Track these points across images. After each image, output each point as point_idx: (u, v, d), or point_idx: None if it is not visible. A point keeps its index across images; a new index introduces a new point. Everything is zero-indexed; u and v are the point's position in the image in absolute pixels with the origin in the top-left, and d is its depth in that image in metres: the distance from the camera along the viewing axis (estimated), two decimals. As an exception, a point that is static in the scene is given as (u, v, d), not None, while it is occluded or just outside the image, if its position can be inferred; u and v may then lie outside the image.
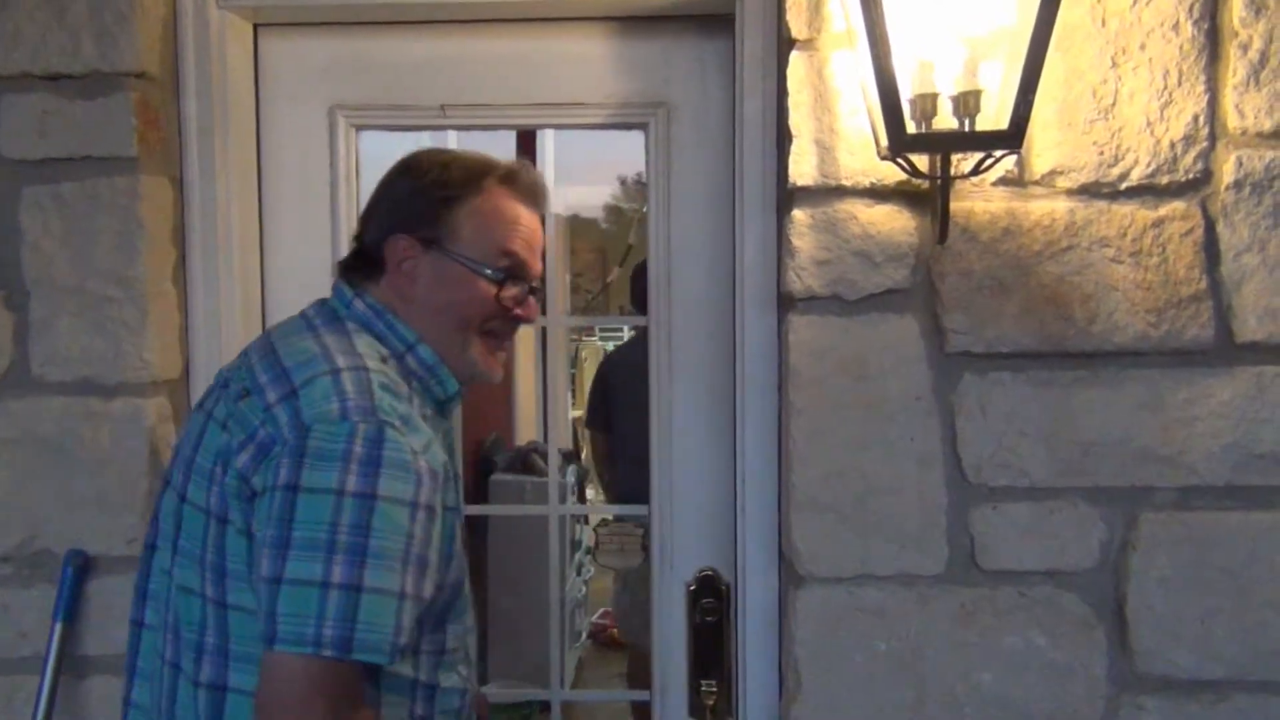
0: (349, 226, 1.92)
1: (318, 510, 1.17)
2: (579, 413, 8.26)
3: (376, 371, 1.28)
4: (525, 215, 1.43)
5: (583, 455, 7.61)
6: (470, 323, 1.41)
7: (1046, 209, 1.63)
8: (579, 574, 4.79)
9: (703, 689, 1.90)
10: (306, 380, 1.24)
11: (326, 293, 1.87)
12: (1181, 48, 1.62)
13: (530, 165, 1.48)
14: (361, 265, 1.42)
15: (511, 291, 1.41)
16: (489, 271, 1.39)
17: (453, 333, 1.40)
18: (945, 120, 1.50)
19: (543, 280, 1.53)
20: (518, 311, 1.43)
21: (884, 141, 1.52)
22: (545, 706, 2.16)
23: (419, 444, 1.25)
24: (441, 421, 1.42)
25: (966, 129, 1.49)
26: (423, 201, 1.39)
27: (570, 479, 4.55)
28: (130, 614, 1.40)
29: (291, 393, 1.24)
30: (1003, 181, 1.64)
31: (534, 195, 1.45)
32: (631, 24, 1.87)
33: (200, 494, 1.27)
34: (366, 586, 1.17)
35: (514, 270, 1.41)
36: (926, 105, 1.49)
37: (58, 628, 1.70)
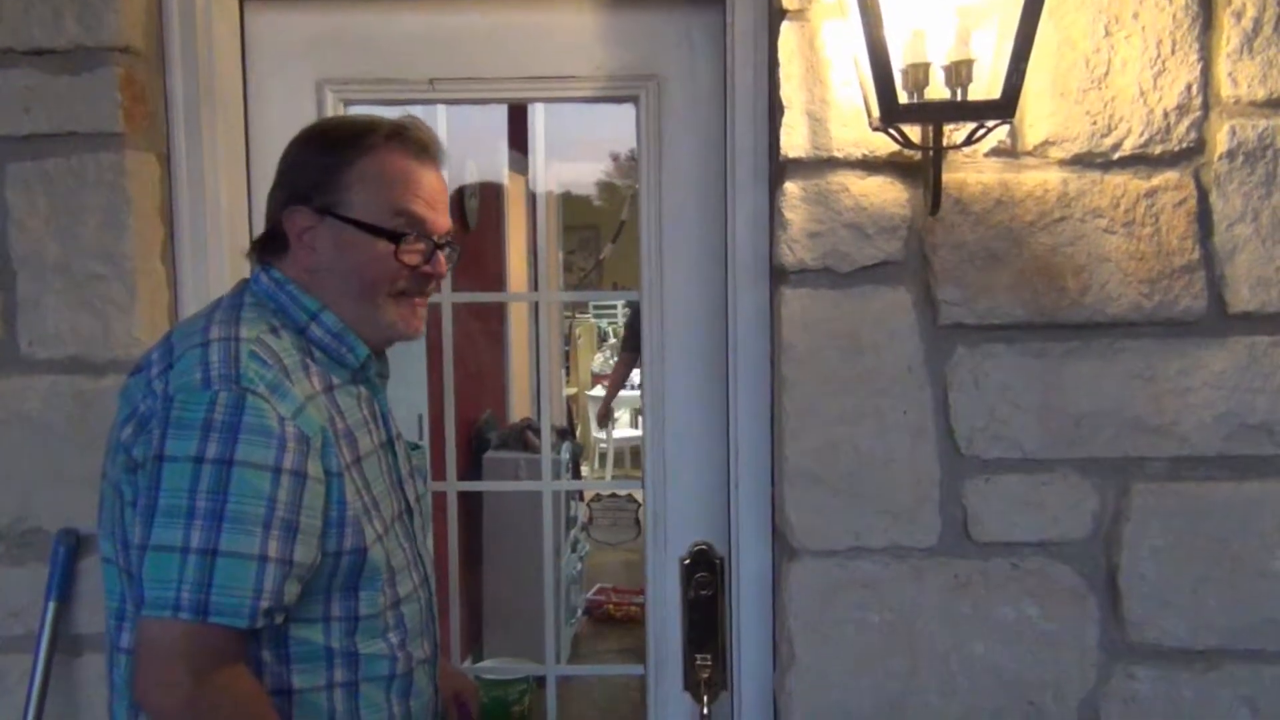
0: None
1: (178, 477, 1.21)
2: (573, 390, 8.28)
3: (249, 341, 1.29)
4: (418, 170, 1.40)
5: (576, 432, 7.63)
6: (377, 286, 1.39)
7: (1039, 179, 1.63)
8: (574, 550, 4.80)
9: (698, 663, 1.91)
10: (181, 354, 1.28)
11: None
12: (1175, 16, 1.61)
13: (420, 120, 1.45)
14: (268, 241, 1.42)
15: (412, 250, 1.39)
16: (385, 232, 1.37)
17: (361, 298, 1.40)
18: (937, 90, 1.49)
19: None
20: (425, 269, 1.42)
21: (876, 112, 1.52)
22: (541, 681, 2.16)
23: (286, 410, 1.26)
24: (356, 389, 1.42)
25: (959, 99, 1.48)
26: (313, 169, 1.38)
27: (564, 455, 4.56)
28: None
29: (168, 366, 1.28)
30: (995, 152, 1.63)
31: (426, 149, 1.42)
32: (621, -5, 1.86)
33: (110, 469, 1.33)
34: (222, 550, 1.19)
35: (411, 228, 1.39)
36: (918, 75, 1.48)
37: (50, 606, 1.70)
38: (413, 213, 1.39)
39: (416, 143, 1.41)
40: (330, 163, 1.38)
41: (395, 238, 1.37)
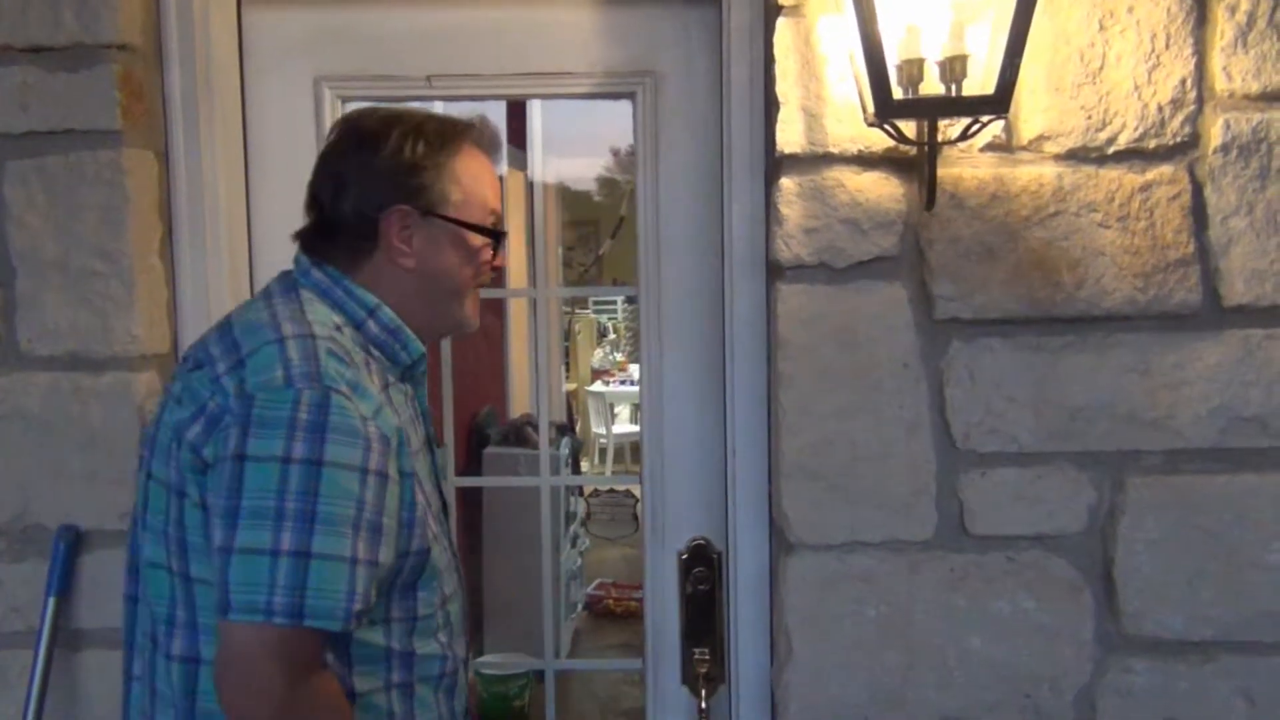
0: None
1: (264, 478, 1.17)
2: (573, 386, 8.28)
3: (324, 339, 1.27)
4: (492, 169, 1.46)
5: (576, 427, 7.63)
6: (467, 284, 1.43)
7: (1034, 174, 1.63)
8: (574, 545, 4.81)
9: (695, 657, 1.91)
10: (253, 349, 1.24)
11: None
12: (1169, 10, 1.61)
13: (488, 119, 1.47)
14: (324, 235, 1.40)
15: (497, 247, 1.45)
16: (487, 231, 1.41)
17: (447, 296, 1.42)
18: (932, 86, 1.50)
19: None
20: (496, 263, 1.46)
21: (871, 108, 1.52)
22: (541, 676, 2.17)
23: (368, 409, 1.24)
24: (404, 386, 1.42)
25: (953, 94, 1.49)
26: (410, 169, 1.37)
27: (564, 451, 4.56)
28: (124, 588, 1.40)
29: (239, 362, 1.23)
30: (990, 147, 1.63)
31: (497, 149, 1.48)
32: (618, -8, 1.86)
33: (162, 469, 1.27)
34: (315, 553, 1.16)
35: (497, 225, 1.44)
36: (913, 71, 1.48)
37: (51, 602, 1.71)
38: (498, 211, 1.44)
39: (491, 141, 1.46)
40: (428, 163, 1.37)
41: (496, 236, 1.42)
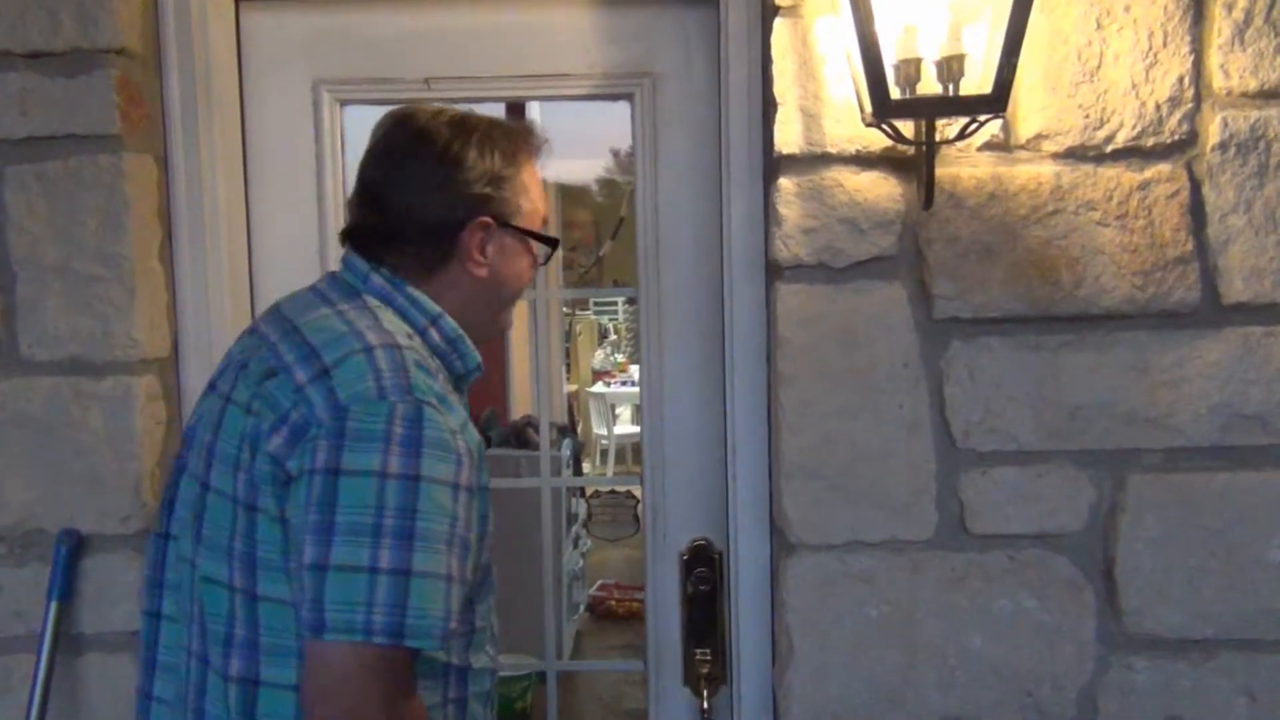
0: (335, 201, 1.92)
1: (361, 494, 1.14)
2: (574, 387, 8.29)
3: (409, 349, 1.24)
4: (539, 175, 1.46)
5: (577, 428, 7.63)
6: (522, 292, 1.45)
7: (1032, 173, 1.63)
8: (576, 546, 4.81)
9: (697, 658, 1.91)
10: (339, 359, 1.20)
11: (313, 267, 1.88)
12: (1166, 8, 1.61)
13: (537, 125, 1.48)
14: (385, 239, 1.35)
15: (551, 253, 1.47)
16: (550, 240, 1.43)
17: (504, 304, 1.44)
18: (929, 85, 1.50)
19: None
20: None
21: (868, 108, 1.52)
22: (543, 677, 2.17)
23: (455, 423, 1.22)
24: (458, 395, 1.39)
25: (950, 94, 1.49)
26: (492, 182, 1.35)
27: (565, 452, 4.56)
28: (144, 605, 1.36)
29: (324, 372, 1.19)
30: (988, 146, 1.63)
31: (547, 154, 1.47)
32: (615, -7, 1.87)
33: (226, 481, 1.22)
34: (415, 570, 1.13)
35: (549, 231, 1.45)
36: (910, 70, 1.48)
37: (52, 606, 1.71)
38: (548, 219, 1.44)
39: (545, 147, 1.45)
40: (506, 174, 1.37)
41: (555, 244, 1.43)
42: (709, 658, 1.91)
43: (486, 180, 1.35)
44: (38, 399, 1.72)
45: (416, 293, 1.34)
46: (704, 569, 1.92)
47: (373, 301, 1.32)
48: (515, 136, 1.40)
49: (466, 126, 1.36)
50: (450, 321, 1.35)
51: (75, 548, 1.72)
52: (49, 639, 1.70)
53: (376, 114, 1.92)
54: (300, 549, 1.15)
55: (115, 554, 1.73)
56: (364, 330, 1.24)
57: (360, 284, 1.34)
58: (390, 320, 1.30)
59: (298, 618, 1.17)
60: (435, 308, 1.35)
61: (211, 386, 1.35)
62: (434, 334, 1.34)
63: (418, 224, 1.34)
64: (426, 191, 1.33)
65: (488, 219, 1.35)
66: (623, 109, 1.93)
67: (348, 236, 1.39)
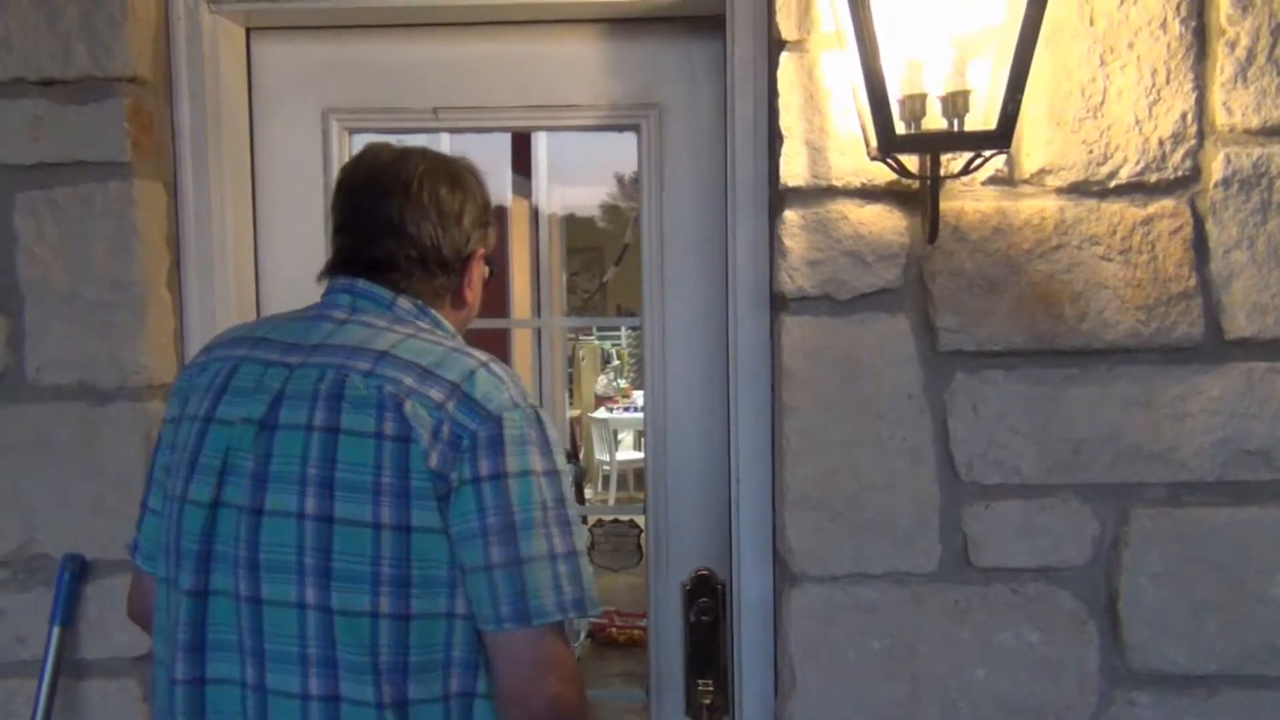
0: (343, 229, 1.93)
1: (527, 492, 1.26)
2: (576, 412, 8.28)
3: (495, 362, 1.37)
4: None
5: (580, 454, 7.62)
6: None
7: (1036, 207, 1.64)
8: (578, 573, 4.79)
9: (699, 687, 1.91)
10: (465, 375, 1.29)
11: (319, 294, 1.89)
12: (1169, 46, 1.62)
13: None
14: (399, 266, 1.41)
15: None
16: (492, 268, 1.54)
17: (467, 328, 1.53)
18: (934, 120, 1.51)
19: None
20: None
21: (874, 142, 1.53)
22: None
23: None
24: None
25: (955, 129, 1.50)
26: (486, 213, 1.50)
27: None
28: (179, 672, 1.29)
29: (456, 388, 1.28)
30: (992, 180, 1.64)
31: None
32: (622, 26, 1.88)
33: (359, 509, 1.24)
34: (577, 550, 1.30)
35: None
36: (915, 105, 1.50)
37: (55, 631, 1.71)
38: None
39: None
40: (485, 204, 1.50)
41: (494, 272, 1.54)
42: (711, 688, 1.91)
43: (486, 213, 1.49)
44: (44, 423, 1.73)
45: (438, 315, 1.44)
46: (706, 599, 1.92)
47: (424, 324, 1.40)
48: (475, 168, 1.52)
49: (463, 162, 1.50)
50: (461, 343, 1.43)
51: (79, 572, 1.73)
52: (51, 664, 1.70)
53: (388, 142, 1.95)
54: (475, 553, 1.25)
55: (119, 579, 1.73)
56: (461, 349, 1.35)
57: (386, 309, 1.40)
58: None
59: (449, 627, 1.27)
60: (452, 329, 1.45)
61: (264, 424, 1.29)
62: None
63: (436, 253, 1.42)
64: (449, 223, 1.43)
65: (485, 250, 1.48)
66: (627, 137, 1.94)
67: (358, 260, 1.42)
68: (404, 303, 1.40)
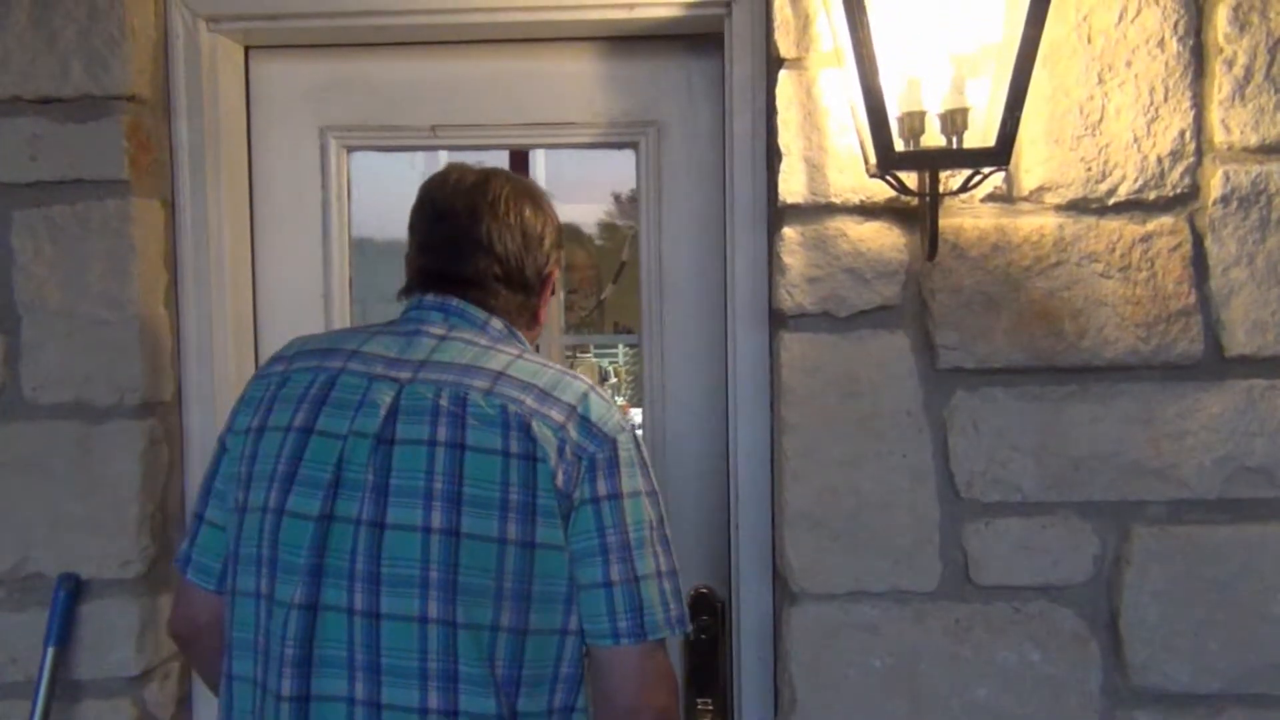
0: (340, 247, 1.93)
1: (639, 511, 1.32)
2: (574, 429, 8.25)
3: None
4: None
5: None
6: None
7: (1035, 225, 1.64)
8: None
9: (699, 706, 1.90)
10: (579, 397, 1.34)
11: (317, 312, 1.89)
12: (1167, 64, 1.63)
13: None
14: (487, 287, 1.45)
15: None
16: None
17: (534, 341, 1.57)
18: (933, 138, 1.51)
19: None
20: None
21: (872, 159, 1.53)
22: None
23: None
24: None
25: (954, 146, 1.50)
26: (559, 234, 1.54)
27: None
28: (285, 689, 1.26)
29: (572, 409, 1.33)
30: (991, 198, 1.64)
31: None
32: (621, 44, 1.88)
33: (485, 524, 1.26)
34: (677, 569, 1.36)
35: None
36: (914, 123, 1.50)
37: (50, 652, 1.70)
38: None
39: None
40: (559, 226, 1.54)
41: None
42: (710, 706, 1.89)
43: (560, 235, 1.54)
44: (40, 442, 1.72)
45: (522, 336, 1.48)
46: (706, 617, 1.91)
47: (518, 345, 1.44)
48: None
49: (537, 185, 1.54)
50: None
51: (74, 592, 1.72)
52: (45, 684, 1.69)
53: (383, 161, 1.96)
54: (594, 570, 1.30)
55: (114, 599, 1.72)
56: (563, 370, 1.38)
57: (479, 329, 1.42)
58: None
59: (561, 642, 1.31)
60: (531, 348, 1.49)
61: (385, 438, 1.29)
62: None
63: (520, 273, 1.46)
64: (530, 244, 1.47)
65: (557, 270, 1.52)
66: (624, 154, 1.94)
67: (451, 280, 1.44)
68: (496, 323, 1.44)
